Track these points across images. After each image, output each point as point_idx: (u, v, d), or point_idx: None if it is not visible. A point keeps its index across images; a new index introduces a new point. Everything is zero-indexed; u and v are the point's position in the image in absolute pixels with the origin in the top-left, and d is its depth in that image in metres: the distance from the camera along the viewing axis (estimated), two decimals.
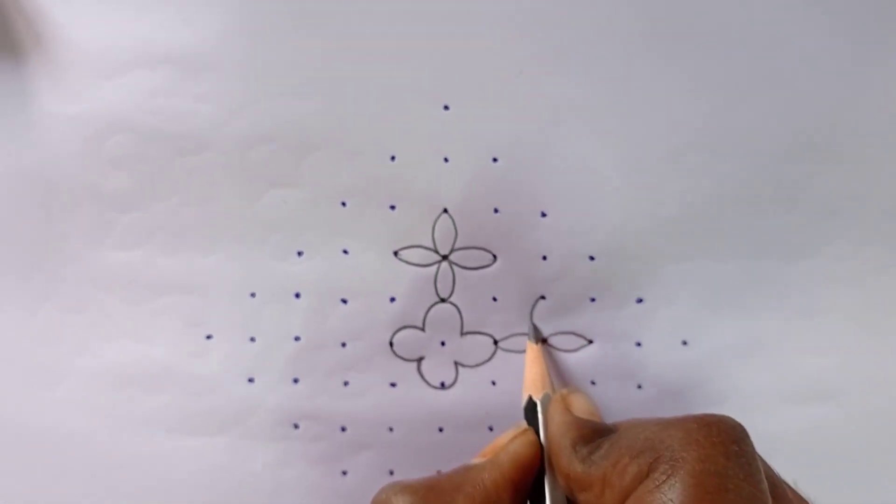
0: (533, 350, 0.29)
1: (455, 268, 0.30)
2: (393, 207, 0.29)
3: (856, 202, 0.29)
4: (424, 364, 0.30)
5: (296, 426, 0.31)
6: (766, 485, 0.20)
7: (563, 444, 0.23)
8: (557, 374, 0.31)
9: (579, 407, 0.25)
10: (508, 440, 0.25)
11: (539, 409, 0.26)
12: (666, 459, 0.20)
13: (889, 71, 0.28)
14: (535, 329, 0.30)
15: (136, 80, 0.29)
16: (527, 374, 0.29)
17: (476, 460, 0.25)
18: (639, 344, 0.30)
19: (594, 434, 0.23)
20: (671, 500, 0.19)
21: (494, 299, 0.30)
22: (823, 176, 0.29)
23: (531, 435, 0.25)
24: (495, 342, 0.30)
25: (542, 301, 0.30)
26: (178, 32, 0.29)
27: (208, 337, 0.30)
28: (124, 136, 0.29)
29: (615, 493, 0.20)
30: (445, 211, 0.29)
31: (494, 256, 0.30)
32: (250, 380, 0.31)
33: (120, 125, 0.29)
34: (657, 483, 0.19)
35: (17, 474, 0.32)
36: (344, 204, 0.29)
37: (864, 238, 0.29)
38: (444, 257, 0.30)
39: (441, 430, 0.31)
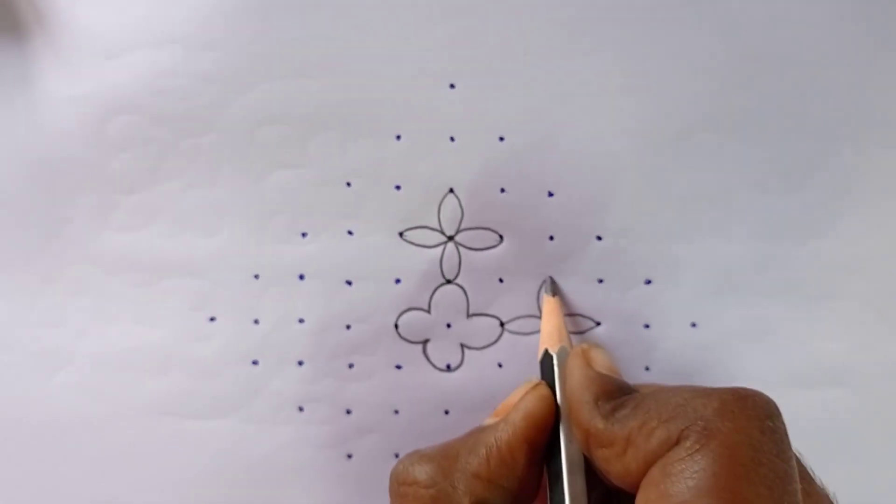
0: (550, 303, 0.29)
1: (461, 249, 0.29)
2: (398, 188, 0.29)
3: (867, 183, 0.29)
4: (430, 346, 0.30)
5: (300, 409, 0.31)
6: (795, 462, 0.20)
7: (585, 398, 0.23)
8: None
9: (600, 362, 0.25)
10: (520, 396, 0.24)
11: (555, 362, 0.25)
12: (699, 428, 0.19)
13: None
14: (553, 282, 0.30)
15: (141, 61, 0.29)
16: (543, 327, 0.28)
17: (488, 420, 0.25)
18: (647, 326, 0.30)
19: (617, 391, 0.23)
20: (703, 470, 0.19)
21: (501, 280, 0.30)
22: (834, 156, 0.29)
23: (544, 389, 0.25)
24: (502, 324, 0.30)
25: (549, 282, 0.30)
26: (183, 11, 0.29)
27: (212, 319, 0.30)
28: (128, 116, 0.29)
29: (639, 455, 0.20)
30: (451, 191, 0.29)
31: (501, 237, 0.29)
32: (254, 362, 0.30)
33: (124, 106, 0.29)
34: (689, 451, 0.19)
35: (20, 459, 0.32)
36: (349, 184, 0.29)
37: (875, 220, 0.29)
38: (450, 238, 0.29)
39: (447, 412, 0.30)
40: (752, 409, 0.20)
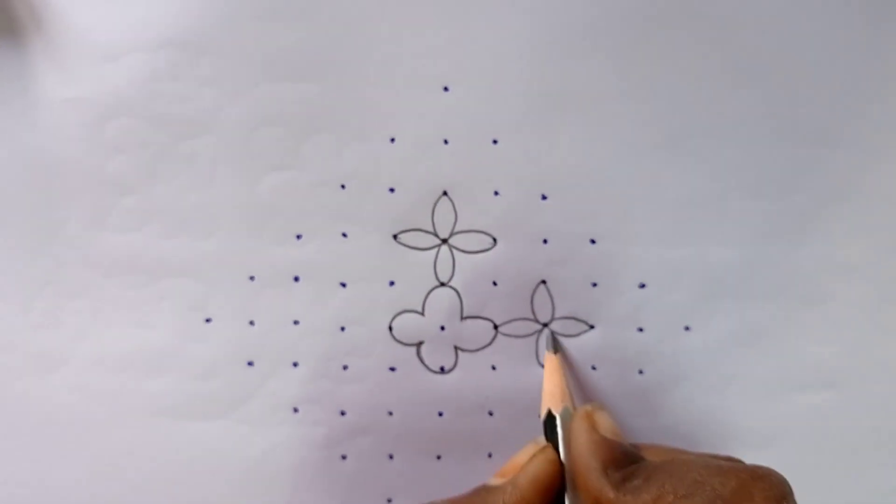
0: (552, 361, 0.29)
1: (455, 251, 0.30)
2: (392, 190, 0.30)
3: (858, 187, 0.29)
4: (424, 348, 0.31)
5: (295, 410, 0.31)
6: None
7: (593, 465, 0.23)
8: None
9: (605, 425, 0.25)
10: (527, 459, 0.25)
11: (559, 423, 0.26)
12: None
13: (891, 55, 0.28)
14: (554, 339, 0.30)
15: (138, 64, 0.30)
16: (545, 386, 0.28)
17: (494, 481, 0.25)
18: (641, 329, 0.30)
19: (625, 458, 0.23)
20: None
21: (495, 283, 0.30)
22: (825, 161, 0.29)
23: (551, 453, 0.25)
24: (496, 327, 0.30)
25: (542, 285, 0.30)
26: (180, 15, 0.29)
27: (208, 320, 0.31)
28: (125, 119, 0.30)
29: None
30: (445, 194, 0.30)
31: (495, 240, 0.30)
32: (250, 363, 0.31)
33: (121, 109, 0.30)
34: None
35: (18, 459, 0.32)
36: (343, 187, 0.30)
37: (866, 224, 0.30)
38: (444, 241, 0.30)
39: (441, 414, 0.31)
40: (769, 490, 0.21)
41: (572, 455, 0.24)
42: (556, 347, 0.30)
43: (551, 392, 0.28)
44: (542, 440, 0.26)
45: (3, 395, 0.32)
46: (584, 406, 0.26)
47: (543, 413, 0.27)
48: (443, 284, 0.30)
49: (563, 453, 0.25)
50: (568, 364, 0.30)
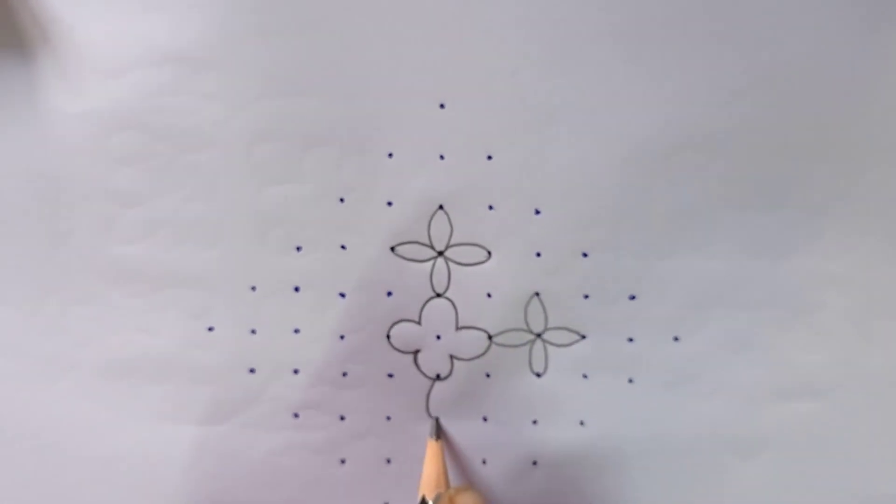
0: (432, 448, 0.31)
1: (450, 264, 0.31)
2: (390, 204, 0.31)
3: (846, 200, 0.31)
4: (421, 356, 0.32)
5: (296, 415, 0.32)
6: None
7: None
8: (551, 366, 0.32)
9: None
10: None
11: None
12: None
13: (880, 67, 0.29)
14: (438, 426, 0.32)
15: (142, 79, 0.31)
16: (423, 472, 0.31)
17: None
18: (631, 339, 0.32)
19: None
20: None
21: (489, 295, 0.31)
22: (813, 174, 0.30)
23: None
24: (490, 337, 0.32)
25: (536, 297, 0.31)
26: (184, 31, 0.30)
27: (210, 329, 0.32)
28: (130, 133, 0.31)
29: None
30: (441, 207, 0.31)
31: (489, 253, 0.31)
32: (251, 370, 0.32)
33: (126, 122, 0.31)
34: None
35: (22, 466, 0.34)
36: (342, 200, 0.31)
37: (854, 236, 0.31)
38: (440, 253, 0.31)
39: (437, 419, 0.32)
40: None
41: None
42: (439, 434, 0.32)
43: (427, 478, 0.30)
44: None
45: (9, 401, 0.33)
46: (449, 490, 0.28)
47: (419, 498, 0.29)
48: (439, 295, 0.32)
49: None
50: (453, 448, 0.33)
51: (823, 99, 0.30)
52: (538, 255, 0.31)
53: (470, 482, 0.33)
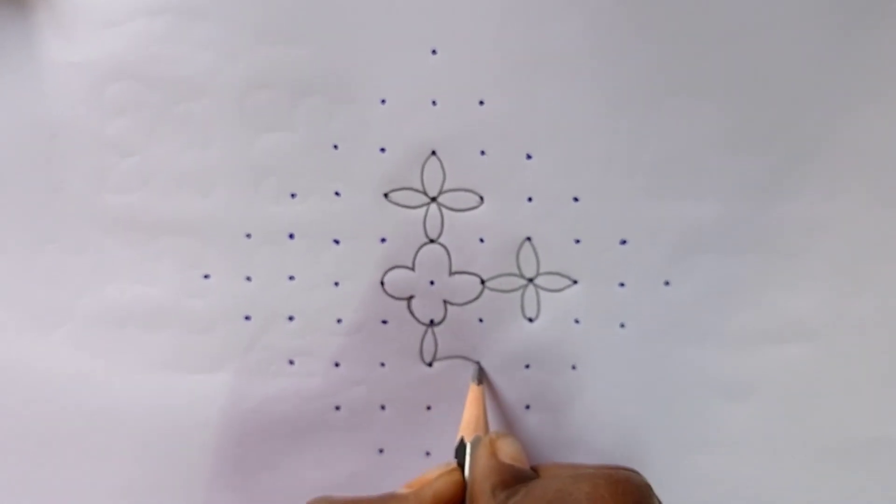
0: (474, 392, 0.32)
1: (444, 209, 0.32)
2: (383, 150, 0.32)
3: (834, 144, 0.31)
4: (414, 302, 0.33)
5: (291, 362, 0.33)
6: None
7: (484, 487, 0.25)
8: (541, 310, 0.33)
9: (506, 451, 0.27)
10: (436, 476, 0.27)
11: (468, 450, 0.28)
12: None
13: (871, 9, 0.30)
14: (480, 370, 0.33)
15: (137, 29, 0.32)
16: (465, 415, 0.31)
17: (402, 490, 0.28)
18: (622, 284, 0.32)
19: (514, 479, 0.25)
20: None
21: (482, 240, 0.32)
22: (801, 119, 0.31)
23: (457, 475, 0.28)
24: (482, 282, 0.32)
25: (528, 242, 0.32)
26: None
27: (206, 277, 0.33)
28: (125, 82, 0.32)
29: None
30: (434, 153, 0.32)
31: (481, 198, 0.32)
32: (247, 318, 0.33)
33: (121, 72, 0.32)
34: None
35: (18, 415, 0.34)
36: (336, 147, 0.32)
37: (842, 180, 0.32)
38: (433, 199, 0.32)
39: (430, 364, 0.33)
40: (622, 494, 0.22)
41: (471, 478, 0.27)
42: (481, 379, 0.33)
43: (468, 422, 0.31)
44: (452, 463, 0.29)
45: (6, 351, 0.34)
46: (490, 434, 0.29)
47: (457, 440, 0.30)
48: (432, 241, 0.32)
49: (467, 476, 0.28)
50: (495, 393, 0.33)
51: (813, 43, 0.31)
52: (530, 199, 0.32)
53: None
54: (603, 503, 0.22)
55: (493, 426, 0.33)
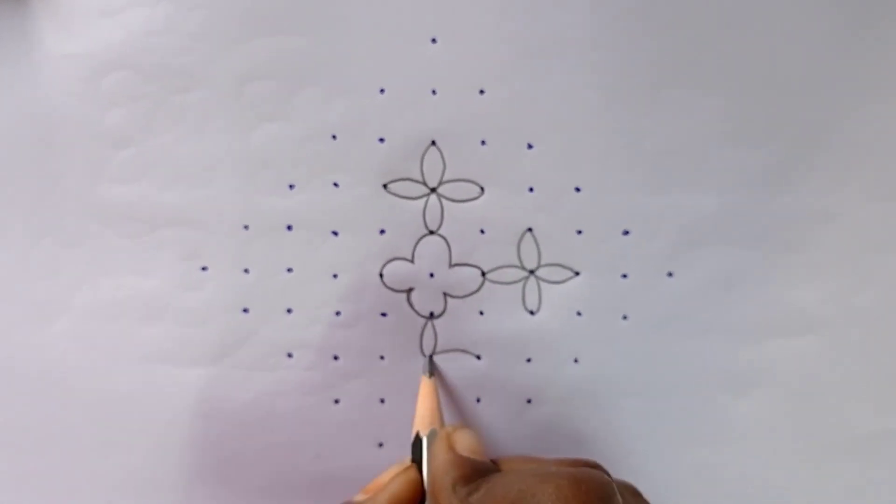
0: (426, 385, 0.32)
1: (443, 200, 0.32)
2: (382, 140, 0.31)
3: (837, 136, 0.31)
4: (414, 295, 0.32)
5: (289, 355, 0.33)
6: None
7: (445, 483, 0.25)
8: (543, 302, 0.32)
9: (463, 444, 0.27)
10: (390, 478, 0.27)
11: (424, 445, 0.28)
12: None
13: (868, 9, 0.30)
14: (431, 362, 0.33)
15: (134, 19, 0.31)
16: (418, 409, 0.31)
17: (358, 497, 0.27)
18: (625, 276, 0.32)
19: (475, 474, 0.25)
20: None
21: (482, 231, 0.32)
22: (803, 110, 0.31)
23: (413, 473, 0.27)
24: (483, 273, 0.32)
25: (529, 233, 0.32)
26: None
27: (203, 269, 0.33)
28: (122, 73, 0.32)
29: None
30: (434, 143, 0.31)
31: (482, 189, 0.32)
32: (245, 310, 0.33)
33: (118, 63, 0.32)
34: None
35: (16, 408, 0.34)
36: (334, 137, 0.32)
37: (846, 171, 0.32)
38: (433, 190, 0.32)
39: (431, 356, 0.33)
40: (584, 494, 0.22)
41: (429, 474, 0.27)
42: (432, 371, 0.32)
43: (421, 416, 0.30)
44: (407, 460, 0.28)
45: (2, 343, 0.34)
46: (446, 427, 0.28)
47: (413, 435, 0.29)
48: (432, 232, 0.32)
49: (426, 472, 0.27)
50: (447, 387, 0.33)
51: (815, 36, 0.30)
52: (531, 190, 0.32)
53: (464, 420, 0.33)
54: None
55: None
